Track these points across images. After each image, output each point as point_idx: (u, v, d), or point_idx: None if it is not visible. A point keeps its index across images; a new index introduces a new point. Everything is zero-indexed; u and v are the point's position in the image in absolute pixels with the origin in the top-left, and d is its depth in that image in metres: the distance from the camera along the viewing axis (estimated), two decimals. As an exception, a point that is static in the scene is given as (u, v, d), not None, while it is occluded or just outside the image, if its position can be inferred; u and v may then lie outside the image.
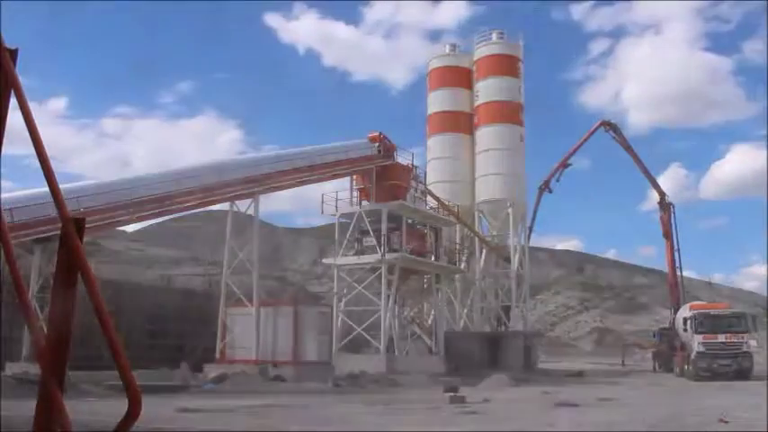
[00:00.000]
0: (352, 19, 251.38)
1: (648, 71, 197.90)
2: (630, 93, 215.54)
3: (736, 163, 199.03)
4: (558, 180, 44.57)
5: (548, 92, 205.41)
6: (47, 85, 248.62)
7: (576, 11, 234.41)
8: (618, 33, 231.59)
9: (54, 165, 1.99)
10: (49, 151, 1.98)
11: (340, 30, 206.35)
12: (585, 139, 45.23)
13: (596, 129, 45.14)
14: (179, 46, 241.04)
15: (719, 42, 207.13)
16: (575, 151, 45.16)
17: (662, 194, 45.71)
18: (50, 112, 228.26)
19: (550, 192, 44.50)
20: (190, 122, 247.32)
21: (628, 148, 45.44)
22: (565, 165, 44.79)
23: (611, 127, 45.16)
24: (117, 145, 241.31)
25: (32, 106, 2.04)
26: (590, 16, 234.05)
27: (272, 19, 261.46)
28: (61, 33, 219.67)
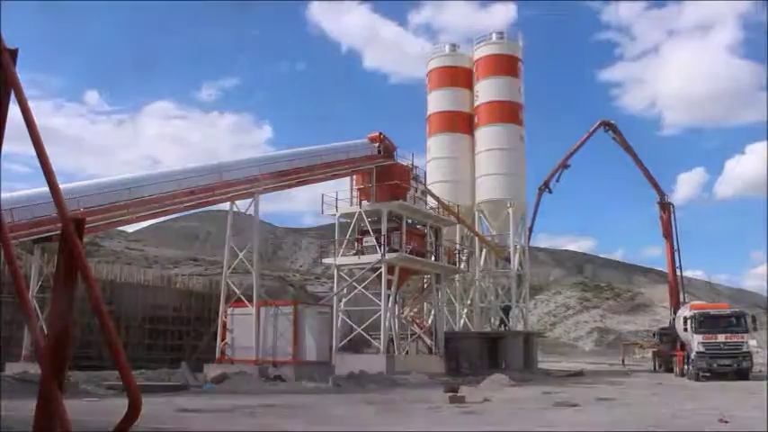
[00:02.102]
0: (400, 19, 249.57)
1: (687, 74, 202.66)
2: (668, 94, 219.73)
3: (754, 160, 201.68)
4: (557, 180, 44.60)
5: (587, 91, 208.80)
6: (87, 77, 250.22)
7: (626, 12, 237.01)
8: (663, 36, 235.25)
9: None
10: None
11: (386, 29, 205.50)
12: (585, 140, 45.22)
13: (596, 129, 45.12)
14: (225, 41, 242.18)
15: (756, 50, 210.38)
16: (574, 152, 45.14)
17: (662, 194, 45.71)
18: (88, 106, 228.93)
19: (550, 192, 44.54)
20: (224, 120, 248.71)
21: (627, 149, 45.42)
22: (565, 165, 44.78)
23: (611, 127, 45.12)
24: (149, 143, 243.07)
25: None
26: (639, 18, 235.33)
27: (319, 11, 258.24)
28: (106, 29, 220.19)
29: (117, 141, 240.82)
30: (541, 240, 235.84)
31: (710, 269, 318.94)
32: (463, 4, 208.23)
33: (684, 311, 35.01)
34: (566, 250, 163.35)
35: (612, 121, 45.44)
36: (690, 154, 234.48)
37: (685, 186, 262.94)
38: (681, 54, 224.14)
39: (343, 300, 33.36)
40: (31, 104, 2.07)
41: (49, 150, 2.02)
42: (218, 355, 27.07)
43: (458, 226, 40.25)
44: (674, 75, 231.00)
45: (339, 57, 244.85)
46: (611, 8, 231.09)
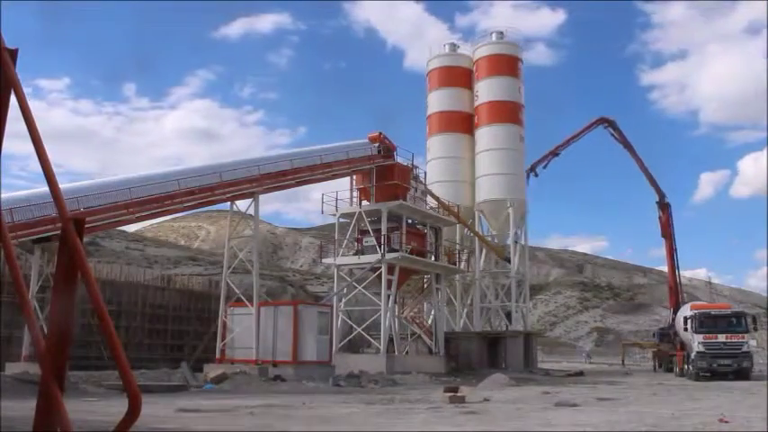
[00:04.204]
0: (451, 20, 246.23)
1: (725, 76, 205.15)
2: (705, 95, 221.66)
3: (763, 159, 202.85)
4: (545, 167, 44.58)
5: (625, 92, 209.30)
6: (127, 75, 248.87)
7: (677, 14, 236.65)
8: (709, 38, 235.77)
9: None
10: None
11: (433, 29, 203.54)
12: (581, 133, 45.25)
13: (593, 124, 45.13)
14: (267, 38, 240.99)
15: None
16: (568, 142, 45.15)
17: (661, 194, 45.70)
18: (128, 104, 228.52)
19: (536, 176, 44.45)
20: (257, 119, 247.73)
21: (627, 146, 45.41)
22: (555, 153, 44.83)
23: (610, 124, 45.09)
24: (179, 141, 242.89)
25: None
26: (690, 20, 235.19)
27: (373, 5, 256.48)
28: (153, 27, 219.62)
29: (148, 140, 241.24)
30: (552, 241, 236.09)
31: (716, 270, 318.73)
32: (510, 6, 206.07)
33: (684, 311, 35.01)
34: (566, 250, 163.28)
35: (611, 118, 45.42)
36: (719, 155, 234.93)
37: (706, 186, 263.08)
38: (722, 56, 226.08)
39: (343, 300, 33.39)
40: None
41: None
42: (218, 355, 27.08)
43: (458, 226, 40.26)
44: (712, 76, 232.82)
45: (382, 56, 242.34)
46: (661, 9, 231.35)
